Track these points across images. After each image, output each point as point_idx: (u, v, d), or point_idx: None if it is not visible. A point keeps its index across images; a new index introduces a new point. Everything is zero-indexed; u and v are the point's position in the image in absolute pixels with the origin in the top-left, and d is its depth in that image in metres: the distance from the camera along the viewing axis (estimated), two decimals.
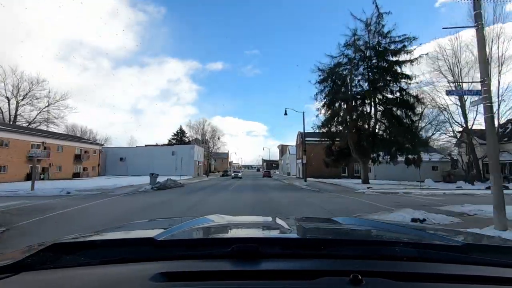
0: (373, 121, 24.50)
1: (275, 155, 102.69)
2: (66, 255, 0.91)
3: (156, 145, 65.50)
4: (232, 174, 47.68)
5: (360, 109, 24.75)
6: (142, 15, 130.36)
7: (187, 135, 67.81)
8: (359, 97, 24.55)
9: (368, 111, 24.75)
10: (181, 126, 70.12)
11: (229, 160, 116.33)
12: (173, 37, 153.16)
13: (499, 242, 1.27)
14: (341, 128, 26.48)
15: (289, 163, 60.24)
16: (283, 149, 75.66)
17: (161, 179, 20.56)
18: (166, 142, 67.30)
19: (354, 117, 24.46)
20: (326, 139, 27.30)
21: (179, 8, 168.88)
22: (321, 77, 25.92)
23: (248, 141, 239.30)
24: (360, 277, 0.71)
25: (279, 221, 1.52)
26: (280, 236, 1.30)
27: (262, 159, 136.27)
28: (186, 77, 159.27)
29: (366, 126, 24.68)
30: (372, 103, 24.36)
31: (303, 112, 26.81)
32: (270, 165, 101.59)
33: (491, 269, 0.86)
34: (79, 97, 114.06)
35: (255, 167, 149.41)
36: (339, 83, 25.25)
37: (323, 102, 26.27)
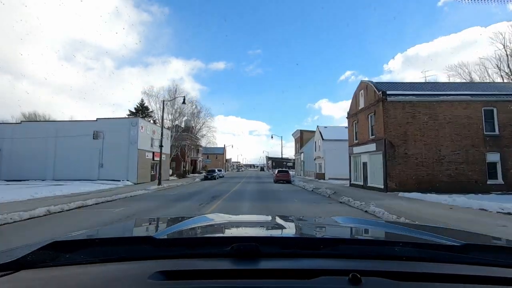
0: None
1: (279, 153, 76.68)
2: (65, 253, 0.91)
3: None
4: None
5: None
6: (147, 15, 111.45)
7: (152, 112, 42.06)
8: None
9: None
10: (142, 100, 43.22)
11: (226, 157, 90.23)
12: (176, 37, 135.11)
13: (499, 242, 1.22)
14: None
15: (321, 157, 34.44)
16: (302, 137, 49.48)
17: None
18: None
19: None
20: None
21: (182, 8, 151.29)
22: None
23: (251, 140, 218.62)
24: (359, 276, 0.72)
25: (279, 220, 1.52)
26: (280, 235, 1.29)
27: (266, 156, 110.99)
28: (189, 77, 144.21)
29: None
30: None
31: None
32: (279, 164, 75.86)
33: (490, 269, 0.85)
34: (80, 95, 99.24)
35: (258, 166, 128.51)
36: None
37: None
